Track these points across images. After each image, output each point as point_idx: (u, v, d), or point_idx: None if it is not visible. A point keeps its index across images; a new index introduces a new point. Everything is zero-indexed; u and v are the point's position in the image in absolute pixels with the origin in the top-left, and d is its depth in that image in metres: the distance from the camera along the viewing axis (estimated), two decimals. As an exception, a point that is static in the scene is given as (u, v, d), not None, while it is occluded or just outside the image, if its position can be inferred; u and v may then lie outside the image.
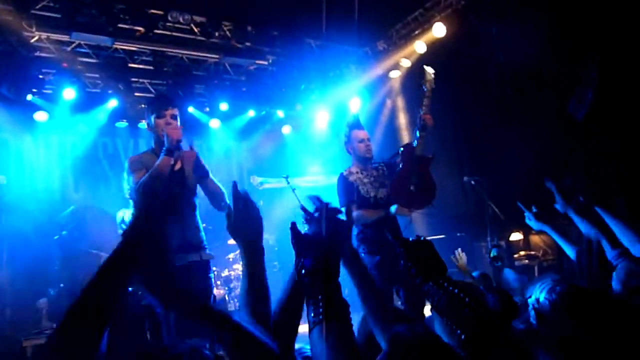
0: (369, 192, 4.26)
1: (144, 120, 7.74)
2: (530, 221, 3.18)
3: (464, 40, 6.52)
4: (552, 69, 5.95)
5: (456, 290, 1.27)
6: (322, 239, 1.35)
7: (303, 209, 1.41)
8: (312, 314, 1.24)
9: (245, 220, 1.54)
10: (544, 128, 6.02)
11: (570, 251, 2.70)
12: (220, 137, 8.50)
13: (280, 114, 8.61)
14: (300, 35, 7.23)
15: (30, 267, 5.90)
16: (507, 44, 6.16)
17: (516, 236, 7.12)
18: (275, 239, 7.82)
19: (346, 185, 4.26)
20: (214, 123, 8.14)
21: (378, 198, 4.27)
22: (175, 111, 3.40)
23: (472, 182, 5.82)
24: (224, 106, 7.72)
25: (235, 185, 1.62)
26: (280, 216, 8.01)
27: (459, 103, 6.89)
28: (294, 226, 1.38)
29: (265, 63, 7.42)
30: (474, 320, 1.21)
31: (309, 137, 8.98)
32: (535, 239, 7.06)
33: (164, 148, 3.18)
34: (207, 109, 7.99)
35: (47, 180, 7.04)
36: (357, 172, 4.35)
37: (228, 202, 3.19)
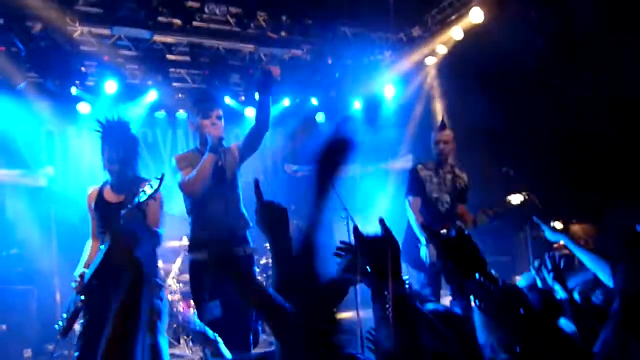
0: (432, 192, 4.43)
1: (182, 110, 7.94)
2: (549, 234, 3.14)
3: (503, 25, 6.35)
4: (595, 55, 5.74)
5: (499, 292, 1.26)
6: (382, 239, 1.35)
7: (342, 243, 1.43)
8: (379, 311, 1.26)
9: (268, 215, 1.58)
10: (586, 114, 5.85)
11: (591, 263, 2.59)
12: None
13: (314, 102, 8.62)
14: (335, 23, 7.19)
15: (77, 257, 6.15)
16: (550, 28, 5.98)
17: (556, 226, 6.96)
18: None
19: (414, 179, 4.47)
20: (250, 112, 8.22)
21: (440, 201, 4.42)
22: (221, 112, 3.57)
23: (511, 173, 5.71)
24: (258, 95, 7.76)
25: (257, 183, 1.68)
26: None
27: (498, 91, 6.74)
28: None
29: (300, 52, 7.42)
30: (523, 324, 1.21)
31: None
32: (576, 228, 6.89)
33: (209, 146, 3.33)
34: (243, 98, 8.08)
35: (91, 171, 7.28)
36: (430, 169, 4.53)
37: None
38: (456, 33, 6.85)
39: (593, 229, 6.48)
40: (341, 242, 1.49)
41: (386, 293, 1.26)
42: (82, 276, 3.21)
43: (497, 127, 6.96)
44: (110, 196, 3.42)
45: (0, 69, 6.15)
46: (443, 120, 4.81)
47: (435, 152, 4.54)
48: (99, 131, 3.41)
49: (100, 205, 3.39)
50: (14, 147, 6.83)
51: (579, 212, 6.43)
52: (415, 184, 4.49)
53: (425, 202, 4.44)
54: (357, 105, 8.68)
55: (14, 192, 6.71)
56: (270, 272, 6.76)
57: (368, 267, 1.33)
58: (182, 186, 3.43)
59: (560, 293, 2.27)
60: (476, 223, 4.49)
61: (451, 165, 4.71)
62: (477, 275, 1.28)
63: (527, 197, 4.51)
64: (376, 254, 1.32)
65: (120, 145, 3.36)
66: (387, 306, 1.23)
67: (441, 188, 4.48)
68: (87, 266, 3.30)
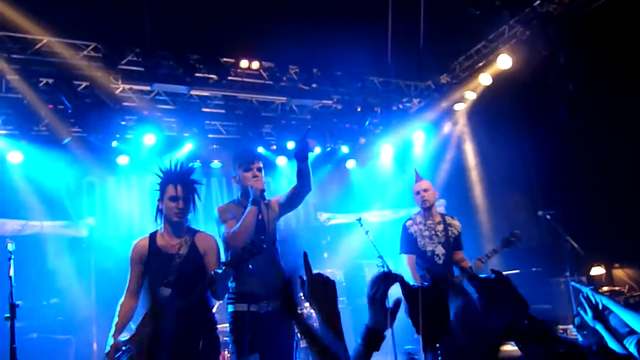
0: (425, 245, 4.46)
1: (216, 160, 8.16)
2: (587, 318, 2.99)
3: (531, 70, 6.40)
4: (626, 96, 5.70)
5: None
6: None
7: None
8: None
9: (318, 288, 1.57)
10: (620, 158, 5.74)
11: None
12: (287, 174, 8.73)
13: (345, 149, 8.75)
14: (363, 73, 7.39)
15: (113, 304, 6.26)
16: (576, 72, 5.99)
17: (597, 270, 6.71)
18: (343, 275, 7.84)
19: (405, 236, 4.51)
20: (281, 160, 8.40)
21: (435, 254, 4.42)
22: (260, 164, 3.63)
23: (547, 217, 5.61)
24: (290, 144, 7.96)
25: (305, 255, 1.69)
26: (347, 252, 8.06)
27: (529, 134, 6.72)
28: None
29: (330, 102, 7.62)
30: None
31: (374, 171, 9.03)
32: (618, 273, 6.63)
33: (251, 199, 3.38)
34: (275, 147, 8.28)
35: (129, 220, 7.50)
36: (419, 223, 4.57)
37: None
38: (484, 79, 6.93)
39: (637, 273, 6.22)
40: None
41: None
42: (115, 346, 3.02)
43: (530, 171, 6.89)
44: (164, 242, 3.26)
45: (48, 125, 6.53)
46: (416, 171, 4.88)
47: (418, 204, 4.59)
48: (162, 171, 3.29)
49: (154, 252, 3.21)
50: (58, 199, 7.13)
51: (621, 256, 6.20)
52: (406, 241, 4.56)
53: (421, 256, 4.48)
54: (387, 150, 8.76)
55: (56, 243, 6.94)
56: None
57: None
58: (227, 239, 3.45)
59: (602, 333, 2.18)
60: (473, 270, 4.42)
61: (441, 214, 4.74)
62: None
63: (514, 238, 4.49)
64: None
65: (187, 185, 3.24)
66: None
67: (433, 240, 4.51)
68: (119, 329, 3.11)
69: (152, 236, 3.31)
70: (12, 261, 3.22)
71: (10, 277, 3.13)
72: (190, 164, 3.37)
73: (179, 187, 3.20)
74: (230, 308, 3.49)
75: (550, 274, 6.52)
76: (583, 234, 5.67)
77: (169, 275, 3.12)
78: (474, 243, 7.93)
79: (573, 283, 3.23)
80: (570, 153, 6.39)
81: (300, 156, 3.42)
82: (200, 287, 3.01)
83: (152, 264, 3.21)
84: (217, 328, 3.29)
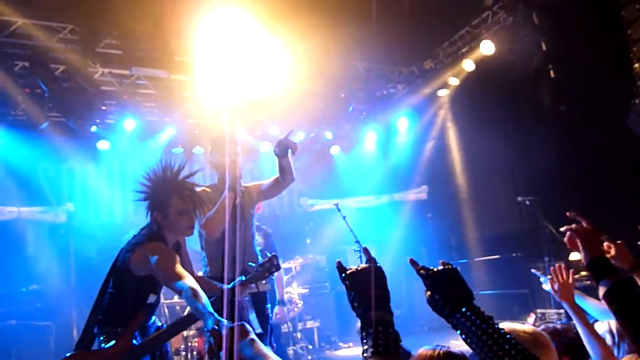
0: None
1: (198, 146, 8.09)
2: (547, 284, 3.07)
3: (514, 56, 6.41)
4: (606, 82, 5.74)
5: (484, 325, 1.24)
6: (367, 274, 1.34)
7: (339, 266, 1.40)
8: (366, 346, 1.25)
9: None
10: (600, 144, 5.80)
11: (595, 311, 2.51)
12: (270, 159, 8.66)
13: (328, 135, 8.73)
14: (347, 58, 7.33)
15: (94, 291, 6.22)
16: (559, 58, 6.02)
17: (576, 256, 6.80)
18: (326, 260, 7.87)
19: None
20: (265, 146, 8.35)
21: None
22: (239, 149, 3.53)
23: (527, 202, 5.67)
24: (273, 130, 7.91)
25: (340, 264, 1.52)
26: (331, 237, 8.07)
27: (511, 120, 6.76)
28: (339, 264, 1.38)
29: (314, 87, 7.56)
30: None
31: (357, 157, 9.03)
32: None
33: (228, 185, 3.32)
34: (258, 133, 8.22)
35: (110, 206, 7.43)
36: None
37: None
38: (467, 65, 6.92)
39: (615, 257, 6.32)
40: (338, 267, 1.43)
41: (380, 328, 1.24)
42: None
43: (512, 157, 6.94)
44: None
45: (25, 110, 6.40)
46: None
47: None
48: (159, 179, 2.90)
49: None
50: (36, 184, 7.03)
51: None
52: None
53: None
54: (371, 136, 8.77)
55: (34, 228, 6.86)
56: (285, 308, 6.71)
57: (355, 302, 1.31)
58: (202, 225, 3.41)
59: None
60: None
61: None
62: (464, 310, 1.27)
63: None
64: (364, 286, 1.31)
65: (194, 193, 2.96)
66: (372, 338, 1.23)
67: None
68: None
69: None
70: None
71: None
72: (183, 164, 2.94)
73: (187, 197, 2.86)
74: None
75: (529, 259, 6.62)
76: (562, 219, 5.74)
77: (158, 283, 2.85)
78: (455, 229, 8.03)
79: (533, 271, 3.27)
80: (551, 139, 6.44)
81: (280, 154, 3.42)
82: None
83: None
84: None
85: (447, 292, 1.31)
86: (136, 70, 6.34)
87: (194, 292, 2.47)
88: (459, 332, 1.28)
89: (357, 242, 4.62)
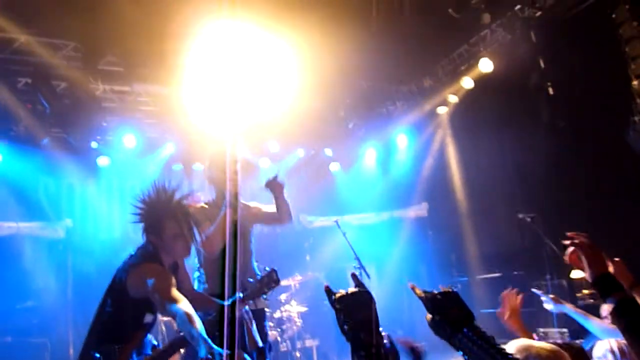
0: None
1: (198, 163, 8.09)
2: (549, 304, 3.07)
3: (512, 74, 6.46)
4: (605, 99, 5.77)
5: (486, 346, 1.25)
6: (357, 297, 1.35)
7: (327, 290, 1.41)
8: None
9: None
10: (600, 160, 5.80)
11: (598, 330, 2.50)
12: (269, 176, 8.68)
13: (328, 152, 8.74)
14: (346, 75, 7.38)
15: (92, 308, 6.16)
16: (557, 75, 6.06)
17: (578, 273, 6.76)
18: (324, 277, 7.81)
19: None
20: (264, 162, 8.36)
21: None
22: (238, 166, 3.51)
23: (528, 219, 5.64)
24: (273, 146, 7.93)
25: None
26: (330, 254, 8.03)
27: (510, 137, 6.77)
28: (327, 289, 1.38)
29: (313, 104, 7.60)
30: None
31: (357, 174, 9.03)
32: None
33: (226, 202, 3.32)
34: (257, 150, 8.23)
35: (109, 222, 7.40)
36: None
37: None
38: (466, 82, 6.97)
39: (618, 274, 6.27)
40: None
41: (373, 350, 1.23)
42: None
43: (511, 173, 6.94)
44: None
45: (26, 126, 6.42)
46: None
47: None
48: (152, 203, 2.91)
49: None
50: (36, 199, 7.03)
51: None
52: None
53: None
54: (371, 153, 8.79)
55: (32, 244, 6.82)
56: (284, 326, 6.65)
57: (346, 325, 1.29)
58: (201, 244, 3.32)
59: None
60: None
61: None
62: (465, 330, 1.27)
63: None
64: (354, 309, 1.30)
65: (187, 215, 2.99)
66: None
67: None
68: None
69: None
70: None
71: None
72: (177, 185, 2.96)
73: (181, 221, 2.86)
74: (202, 316, 3.42)
75: (531, 277, 6.56)
76: (563, 236, 5.71)
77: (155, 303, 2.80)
78: (455, 246, 7.98)
79: (534, 290, 3.27)
80: (551, 156, 6.46)
81: (273, 190, 3.44)
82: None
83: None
84: None
85: (448, 313, 1.31)
86: (137, 87, 6.38)
87: (189, 317, 2.47)
88: (461, 353, 1.27)
89: (357, 259, 4.61)
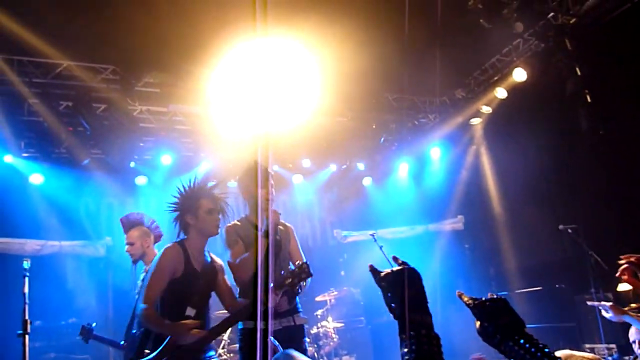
0: None
1: (232, 180, 8.20)
2: (608, 312, 2.96)
3: (547, 82, 6.33)
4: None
5: (539, 354, 1.21)
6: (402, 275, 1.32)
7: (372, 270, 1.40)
8: (406, 350, 1.23)
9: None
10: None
11: None
12: (303, 192, 8.73)
13: (360, 166, 8.73)
14: (377, 90, 7.39)
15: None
16: (595, 82, 5.90)
17: (624, 286, 6.48)
18: (360, 293, 7.74)
19: None
20: (297, 179, 8.41)
21: None
22: (272, 182, 3.56)
23: (569, 230, 5.47)
24: (306, 162, 7.98)
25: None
26: (365, 269, 7.94)
27: (548, 147, 6.61)
28: (371, 267, 1.39)
29: (345, 119, 7.63)
30: None
31: (390, 188, 8.97)
32: (647, 289, 6.39)
33: (264, 230, 3.26)
34: (290, 166, 8.29)
35: (147, 240, 7.55)
36: None
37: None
38: (500, 93, 6.87)
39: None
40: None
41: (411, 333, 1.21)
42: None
43: (550, 184, 6.75)
44: (195, 260, 3.17)
45: (67, 147, 6.67)
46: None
47: None
48: (190, 188, 3.26)
49: (189, 272, 3.11)
50: (77, 219, 7.24)
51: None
52: None
53: None
54: (403, 167, 8.73)
55: (75, 262, 7.02)
56: (320, 342, 6.59)
57: (393, 304, 1.29)
58: (233, 268, 3.32)
59: None
60: None
61: None
62: (517, 337, 1.24)
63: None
64: (400, 287, 1.28)
65: (219, 198, 3.28)
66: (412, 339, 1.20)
67: None
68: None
69: (185, 250, 3.15)
70: (26, 279, 3.25)
71: (24, 294, 3.16)
72: (208, 177, 3.40)
73: (215, 199, 3.24)
74: (240, 325, 3.42)
75: (574, 290, 6.33)
76: (607, 248, 5.51)
77: (194, 295, 3.07)
78: (494, 259, 7.79)
79: (590, 303, 3.15)
80: (591, 165, 6.27)
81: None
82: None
83: (183, 281, 3.06)
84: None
85: (497, 320, 1.29)
86: (173, 107, 6.56)
87: (148, 319, 2.92)
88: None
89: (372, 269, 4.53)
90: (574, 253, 6.24)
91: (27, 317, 3.08)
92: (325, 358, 6.22)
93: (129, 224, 4.25)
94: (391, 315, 1.30)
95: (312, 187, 8.75)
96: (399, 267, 1.34)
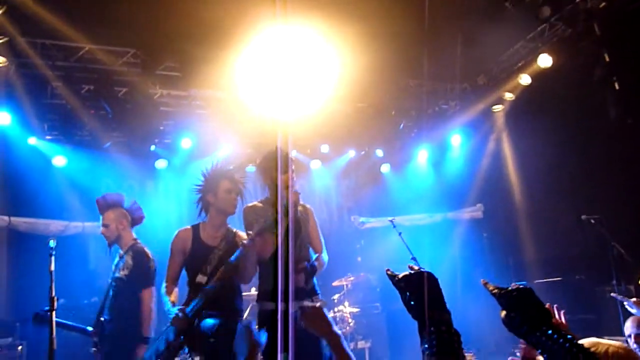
0: None
1: (250, 165, 8.23)
2: (632, 308, 2.90)
3: (574, 69, 6.17)
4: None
5: (567, 345, 1.20)
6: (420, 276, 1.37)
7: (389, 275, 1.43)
8: (426, 345, 1.26)
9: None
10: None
11: None
12: (320, 177, 8.72)
13: (379, 153, 8.68)
14: (397, 76, 7.30)
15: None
16: (624, 68, 5.73)
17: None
18: (377, 279, 7.75)
19: None
20: (315, 164, 8.40)
21: None
22: (293, 167, 3.63)
23: (592, 221, 5.36)
24: (324, 148, 7.96)
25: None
26: (382, 256, 7.96)
27: (572, 135, 6.46)
28: (389, 272, 1.43)
29: (364, 105, 7.57)
30: None
31: (409, 175, 8.90)
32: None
33: (283, 208, 3.30)
34: (309, 151, 8.28)
35: (166, 223, 7.65)
36: None
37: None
38: (523, 79, 6.72)
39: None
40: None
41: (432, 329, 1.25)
42: (183, 311, 3.22)
43: (573, 173, 6.62)
44: (206, 235, 3.51)
45: (90, 130, 6.76)
46: None
47: None
48: (212, 169, 3.57)
49: (198, 245, 3.46)
50: (99, 201, 7.35)
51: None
52: None
53: None
54: (423, 154, 8.64)
55: (96, 243, 7.15)
56: (337, 327, 6.64)
57: (412, 302, 1.33)
58: (250, 245, 3.30)
59: None
60: None
61: None
62: (544, 328, 1.22)
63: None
64: (419, 287, 1.33)
65: (238, 181, 3.58)
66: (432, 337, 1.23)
67: None
68: (174, 305, 3.39)
69: (195, 228, 3.55)
70: (52, 257, 3.31)
71: (50, 272, 3.23)
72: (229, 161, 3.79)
73: (235, 180, 3.51)
74: (259, 306, 3.47)
75: (595, 282, 6.23)
76: (630, 240, 5.40)
77: (207, 265, 3.36)
78: (513, 249, 7.70)
79: (614, 295, 3.09)
80: (615, 155, 6.12)
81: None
82: (231, 261, 3.22)
83: (193, 255, 3.45)
84: (239, 316, 3.49)
85: (524, 311, 1.28)
86: (194, 91, 6.58)
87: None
88: (539, 351, 1.24)
89: (414, 258, 4.53)
90: (595, 244, 6.13)
91: (53, 294, 3.14)
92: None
93: (106, 205, 4.07)
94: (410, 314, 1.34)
95: (330, 173, 8.73)
96: (417, 269, 1.39)
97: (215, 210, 3.49)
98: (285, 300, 3.23)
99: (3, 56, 5.61)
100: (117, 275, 3.93)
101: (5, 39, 5.51)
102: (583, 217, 5.54)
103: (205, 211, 3.53)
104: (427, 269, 1.42)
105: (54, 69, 6.00)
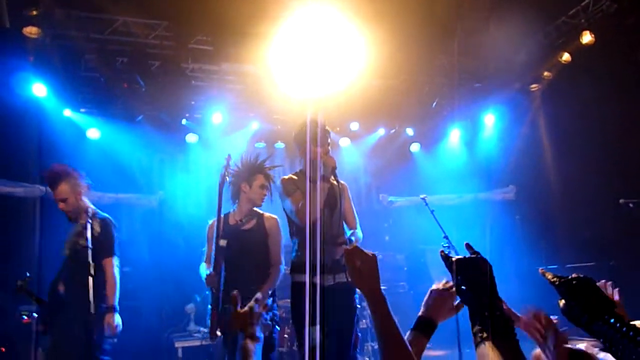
0: None
1: (280, 141, 8.24)
2: None
3: (617, 46, 5.91)
4: None
5: (632, 333, 1.15)
6: (475, 261, 1.40)
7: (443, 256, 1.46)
8: (478, 327, 1.30)
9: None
10: None
11: None
12: (350, 155, 8.67)
13: (410, 132, 8.56)
14: (431, 52, 7.12)
15: (178, 274, 6.53)
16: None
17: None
18: (404, 258, 7.72)
19: None
20: (344, 142, 8.34)
21: None
22: (330, 140, 3.72)
23: (631, 205, 5.19)
24: (354, 125, 7.89)
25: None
26: (410, 236, 7.91)
27: (612, 116, 6.22)
28: (443, 253, 1.46)
29: (397, 82, 7.44)
30: None
31: (439, 154, 8.76)
32: None
33: (322, 175, 3.36)
34: (338, 129, 8.22)
35: (196, 197, 7.75)
36: None
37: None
38: (563, 57, 6.48)
39: None
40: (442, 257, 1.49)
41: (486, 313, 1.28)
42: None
43: (611, 155, 6.39)
44: (234, 220, 3.81)
45: (123, 103, 6.85)
46: None
47: None
48: (254, 161, 3.84)
49: (226, 229, 3.71)
50: (131, 173, 7.50)
51: None
52: None
53: None
54: (455, 133, 8.48)
55: (129, 213, 7.32)
56: (364, 303, 6.66)
57: (464, 287, 1.36)
58: (295, 213, 3.45)
59: None
60: None
61: None
62: (607, 317, 1.19)
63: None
64: (472, 272, 1.37)
65: (271, 178, 3.89)
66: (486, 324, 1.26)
67: None
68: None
69: (226, 217, 3.81)
70: (89, 225, 3.40)
71: (86, 239, 3.28)
72: (268, 157, 4.03)
73: (268, 178, 3.81)
74: (292, 278, 3.50)
75: (630, 268, 6.06)
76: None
77: (234, 242, 3.62)
78: (545, 232, 7.53)
79: None
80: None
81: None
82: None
83: (223, 237, 3.66)
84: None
85: (585, 300, 1.26)
86: (225, 65, 6.57)
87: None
88: (601, 340, 1.22)
89: (446, 237, 4.47)
90: (634, 229, 5.94)
91: (90, 260, 3.17)
92: (368, 319, 6.29)
93: (57, 177, 3.70)
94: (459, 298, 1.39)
95: (359, 151, 8.66)
96: (471, 255, 1.42)
97: (246, 199, 3.77)
98: (322, 272, 3.27)
99: (38, 27, 5.65)
100: (77, 243, 3.49)
101: (40, 9, 5.57)
102: (621, 200, 5.37)
103: (236, 197, 3.80)
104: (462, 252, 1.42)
105: (88, 41, 6.05)
